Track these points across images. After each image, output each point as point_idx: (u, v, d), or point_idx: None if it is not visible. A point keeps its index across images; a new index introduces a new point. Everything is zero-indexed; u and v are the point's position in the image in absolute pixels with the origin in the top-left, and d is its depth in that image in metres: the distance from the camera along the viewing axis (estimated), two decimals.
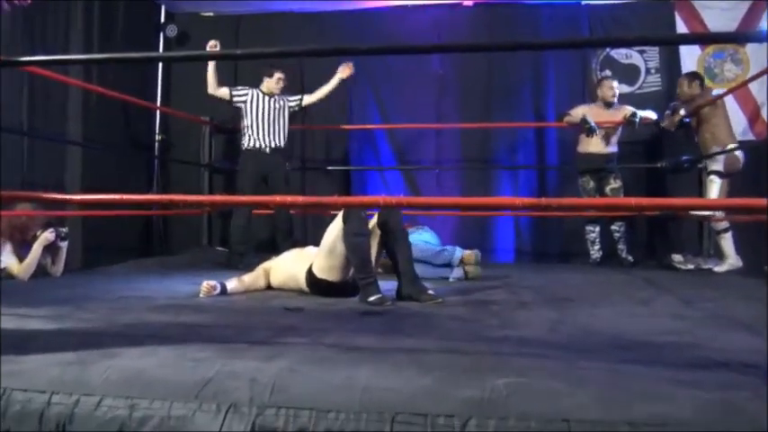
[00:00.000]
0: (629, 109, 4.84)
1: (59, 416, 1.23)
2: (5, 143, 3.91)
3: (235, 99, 4.64)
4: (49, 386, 1.29)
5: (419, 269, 3.68)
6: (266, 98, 4.65)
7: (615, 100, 4.94)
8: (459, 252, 3.77)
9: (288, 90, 4.83)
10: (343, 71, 4.76)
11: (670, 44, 5.25)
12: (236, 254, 4.53)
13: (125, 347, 1.57)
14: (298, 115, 5.11)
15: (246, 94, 4.63)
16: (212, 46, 4.38)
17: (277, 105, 4.66)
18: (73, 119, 4.63)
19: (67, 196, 2.04)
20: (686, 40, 5.27)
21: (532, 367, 1.41)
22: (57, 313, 2.26)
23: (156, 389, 1.28)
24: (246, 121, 4.62)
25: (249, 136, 4.62)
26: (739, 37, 5.36)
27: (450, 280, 3.68)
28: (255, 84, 4.72)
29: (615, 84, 5.00)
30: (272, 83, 4.65)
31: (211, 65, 4.57)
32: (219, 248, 5.49)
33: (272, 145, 4.63)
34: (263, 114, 4.61)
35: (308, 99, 4.83)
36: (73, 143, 4.57)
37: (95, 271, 4.21)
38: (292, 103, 4.78)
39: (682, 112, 4.58)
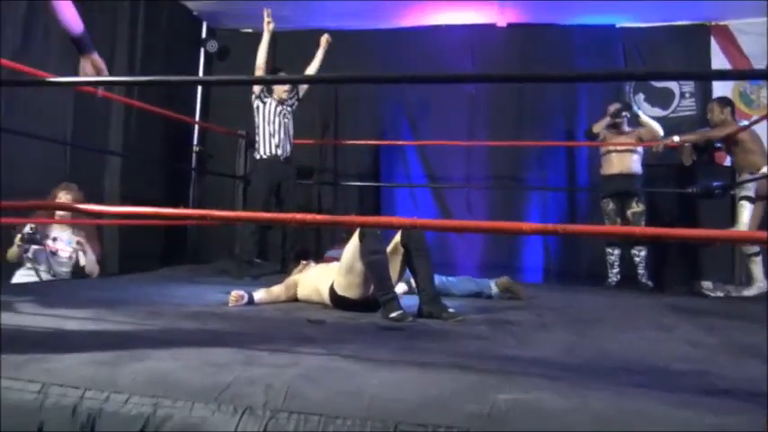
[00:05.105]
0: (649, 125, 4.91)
1: (90, 410, 1.33)
2: (50, 152, 4.12)
3: (258, 98, 4.72)
4: (82, 383, 1.40)
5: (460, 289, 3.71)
6: (278, 107, 4.75)
7: (623, 128, 5.02)
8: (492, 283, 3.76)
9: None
10: (324, 44, 4.89)
11: (701, 79, 5.26)
12: (245, 262, 4.59)
13: (154, 350, 1.67)
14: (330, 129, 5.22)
15: (266, 102, 4.72)
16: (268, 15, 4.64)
17: (287, 114, 4.78)
18: (114, 130, 4.84)
19: (103, 208, 2.17)
20: (715, 76, 5.25)
21: (538, 386, 1.45)
22: (93, 315, 2.39)
23: (179, 390, 1.37)
24: (261, 130, 4.71)
25: (263, 145, 4.70)
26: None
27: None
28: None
29: (613, 108, 5.05)
30: (280, 88, 4.75)
31: (265, 40, 4.68)
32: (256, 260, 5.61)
33: (285, 154, 4.74)
34: (277, 123, 4.71)
35: (303, 87, 4.94)
36: (113, 153, 4.77)
37: (131, 277, 4.36)
38: (294, 102, 4.88)
39: (689, 141, 4.82)
